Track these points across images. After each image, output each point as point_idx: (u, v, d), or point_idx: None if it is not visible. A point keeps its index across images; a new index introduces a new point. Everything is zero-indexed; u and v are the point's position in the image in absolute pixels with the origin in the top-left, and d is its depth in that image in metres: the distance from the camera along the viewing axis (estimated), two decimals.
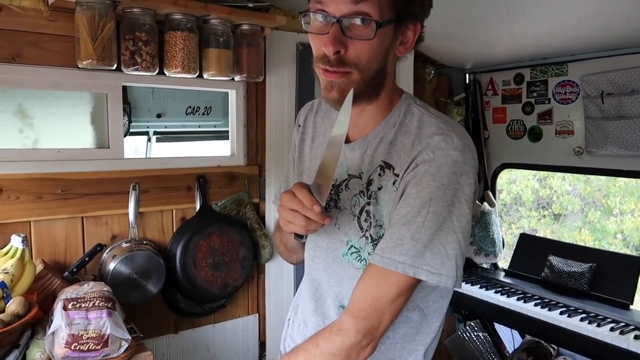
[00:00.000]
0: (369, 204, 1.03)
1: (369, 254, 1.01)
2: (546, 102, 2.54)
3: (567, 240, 5.71)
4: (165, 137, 2.90)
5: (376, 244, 0.99)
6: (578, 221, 6.36)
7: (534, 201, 6.54)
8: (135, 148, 2.86)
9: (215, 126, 2.75)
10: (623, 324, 2.00)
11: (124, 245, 1.80)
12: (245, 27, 1.89)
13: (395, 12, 0.93)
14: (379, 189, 1.01)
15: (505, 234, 6.31)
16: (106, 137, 1.83)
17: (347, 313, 0.96)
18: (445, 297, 1.08)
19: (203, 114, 2.68)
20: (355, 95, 0.95)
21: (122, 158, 1.85)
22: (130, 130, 2.37)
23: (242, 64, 1.92)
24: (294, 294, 1.30)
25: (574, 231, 6.30)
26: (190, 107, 2.62)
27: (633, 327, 1.97)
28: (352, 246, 1.05)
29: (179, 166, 1.97)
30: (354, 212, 1.05)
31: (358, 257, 1.05)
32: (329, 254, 1.10)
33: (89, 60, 1.57)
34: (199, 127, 2.74)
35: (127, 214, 1.81)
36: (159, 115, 2.53)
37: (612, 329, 1.95)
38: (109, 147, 1.82)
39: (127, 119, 2.33)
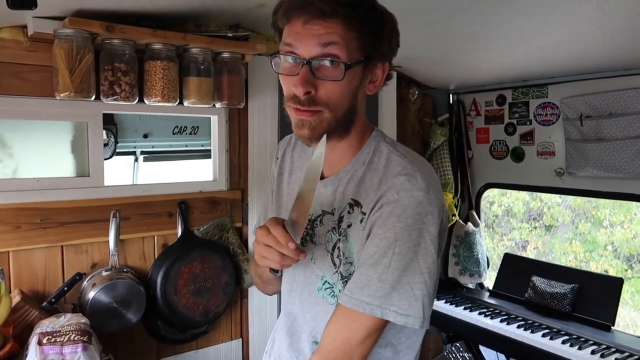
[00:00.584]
0: (339, 240, 1.04)
1: (339, 290, 1.02)
2: (528, 123, 2.56)
3: (551, 260, 5.74)
4: (152, 156, 2.91)
5: (346, 282, 1.00)
6: (569, 232, 6.39)
7: (524, 213, 6.58)
8: (127, 163, 2.86)
9: (202, 145, 2.75)
10: (604, 346, 2.00)
11: (104, 273, 1.79)
12: (225, 54, 1.90)
13: (363, 53, 0.95)
14: (349, 226, 1.03)
15: (497, 246, 6.34)
16: (86, 165, 1.83)
17: (317, 355, 0.97)
18: (419, 333, 1.08)
19: (190, 133, 2.69)
20: (326, 133, 0.96)
21: (102, 186, 1.84)
22: (117, 150, 2.38)
23: (222, 92, 1.93)
24: (277, 317, 1.31)
25: (565, 242, 6.33)
26: (177, 127, 2.64)
27: (614, 349, 1.98)
28: (326, 282, 1.06)
29: (161, 192, 1.96)
30: (327, 247, 1.06)
31: (331, 293, 1.06)
32: (305, 289, 1.10)
33: (67, 93, 1.57)
34: (186, 146, 2.75)
35: (108, 241, 1.80)
36: (145, 136, 2.54)
37: (593, 352, 1.96)
38: (89, 176, 1.82)
39: (113, 139, 2.34)
